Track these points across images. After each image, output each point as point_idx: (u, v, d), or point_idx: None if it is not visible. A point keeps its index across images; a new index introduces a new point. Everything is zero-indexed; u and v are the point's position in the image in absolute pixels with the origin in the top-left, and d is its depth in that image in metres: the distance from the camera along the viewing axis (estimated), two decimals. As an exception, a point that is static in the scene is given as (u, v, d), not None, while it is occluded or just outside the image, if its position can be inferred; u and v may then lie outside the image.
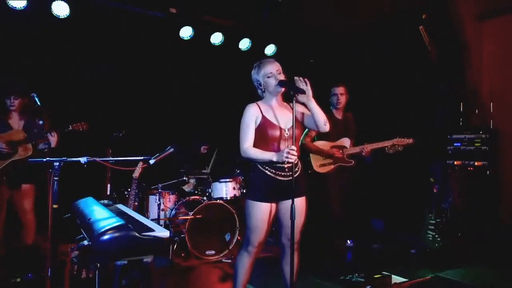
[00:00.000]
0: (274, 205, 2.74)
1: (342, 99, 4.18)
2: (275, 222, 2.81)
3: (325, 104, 4.51)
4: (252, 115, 2.71)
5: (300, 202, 2.70)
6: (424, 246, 4.41)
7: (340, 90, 4.18)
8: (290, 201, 2.68)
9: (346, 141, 4.20)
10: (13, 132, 3.76)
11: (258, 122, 2.70)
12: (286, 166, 2.68)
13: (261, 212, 2.69)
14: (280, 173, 2.68)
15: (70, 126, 3.73)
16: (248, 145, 2.70)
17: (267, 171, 2.68)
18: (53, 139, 3.64)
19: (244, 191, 4.82)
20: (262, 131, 2.68)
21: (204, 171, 5.32)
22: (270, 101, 2.78)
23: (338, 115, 4.25)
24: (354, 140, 4.25)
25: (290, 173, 2.68)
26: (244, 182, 4.93)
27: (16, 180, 3.79)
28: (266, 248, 4.42)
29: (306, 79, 2.60)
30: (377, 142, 4.11)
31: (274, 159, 2.60)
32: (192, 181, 5.36)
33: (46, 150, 3.71)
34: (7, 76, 4.22)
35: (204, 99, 5.92)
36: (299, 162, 2.77)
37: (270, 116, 2.72)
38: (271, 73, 2.69)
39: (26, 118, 3.87)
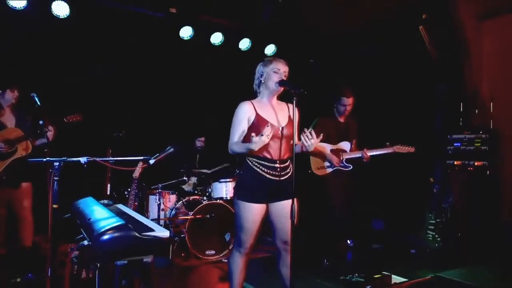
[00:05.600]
0: (264, 206, 2.71)
1: (349, 109, 4.25)
2: (267, 222, 2.79)
3: (324, 105, 4.53)
4: (245, 113, 2.68)
5: (287, 205, 2.53)
6: (424, 246, 4.41)
7: (349, 101, 4.21)
8: (281, 203, 2.70)
9: (345, 145, 4.24)
10: (9, 130, 3.74)
11: (252, 120, 2.67)
12: (278, 166, 2.67)
13: (251, 213, 2.66)
14: (272, 172, 2.65)
15: (64, 119, 3.76)
16: (235, 141, 2.67)
17: (258, 170, 2.65)
18: (50, 133, 3.63)
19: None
20: (256, 129, 2.64)
21: (204, 170, 5.32)
22: (265, 99, 2.75)
23: (341, 119, 4.31)
24: (355, 144, 4.28)
25: (282, 173, 2.68)
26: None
27: (16, 179, 3.78)
28: (265, 248, 4.47)
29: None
30: (378, 149, 4.09)
31: (251, 146, 2.47)
32: (192, 181, 5.37)
33: (46, 146, 3.69)
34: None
35: (204, 99, 5.92)
36: (291, 164, 2.74)
37: (264, 114, 2.69)
38: (279, 69, 2.68)
39: (17, 115, 3.85)
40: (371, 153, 4.07)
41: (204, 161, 5.45)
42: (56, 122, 3.73)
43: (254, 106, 2.70)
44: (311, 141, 2.56)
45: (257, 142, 2.44)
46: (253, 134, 2.47)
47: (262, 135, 2.43)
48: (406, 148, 4.07)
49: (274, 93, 2.75)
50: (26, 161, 3.66)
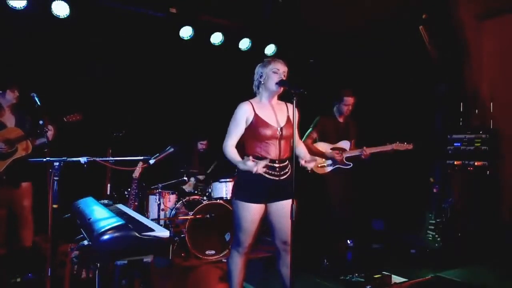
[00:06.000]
0: (263, 205, 2.71)
1: (351, 109, 4.27)
2: (266, 222, 2.78)
3: (324, 105, 4.53)
4: (244, 113, 2.68)
5: (286, 205, 2.56)
6: (424, 246, 4.41)
7: (351, 100, 4.23)
8: (280, 203, 2.70)
9: (345, 144, 4.30)
10: (9, 130, 3.73)
11: (250, 120, 2.67)
12: (277, 166, 2.67)
13: (250, 213, 2.66)
14: (270, 172, 2.65)
15: (64, 119, 3.76)
16: (230, 143, 2.68)
17: None
18: (49, 133, 3.63)
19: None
20: (254, 129, 2.65)
21: (201, 177, 5.33)
22: (264, 99, 2.75)
23: (341, 119, 4.34)
24: (353, 144, 4.34)
25: (281, 173, 2.68)
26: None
27: (16, 179, 3.78)
28: (264, 248, 4.47)
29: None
30: (377, 146, 4.19)
31: (241, 166, 2.54)
32: (192, 181, 5.36)
33: (45, 146, 3.68)
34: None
35: (204, 99, 5.92)
36: (290, 164, 2.74)
37: (263, 115, 2.69)
38: (278, 69, 2.67)
39: (17, 114, 3.85)
40: (371, 151, 4.16)
41: (205, 163, 5.45)
42: (56, 122, 3.73)
43: (253, 107, 2.70)
44: (310, 165, 2.67)
45: (248, 166, 2.47)
46: (250, 157, 2.51)
47: (257, 163, 2.45)
48: (405, 145, 4.15)
49: (273, 94, 2.74)
50: (26, 161, 3.66)
